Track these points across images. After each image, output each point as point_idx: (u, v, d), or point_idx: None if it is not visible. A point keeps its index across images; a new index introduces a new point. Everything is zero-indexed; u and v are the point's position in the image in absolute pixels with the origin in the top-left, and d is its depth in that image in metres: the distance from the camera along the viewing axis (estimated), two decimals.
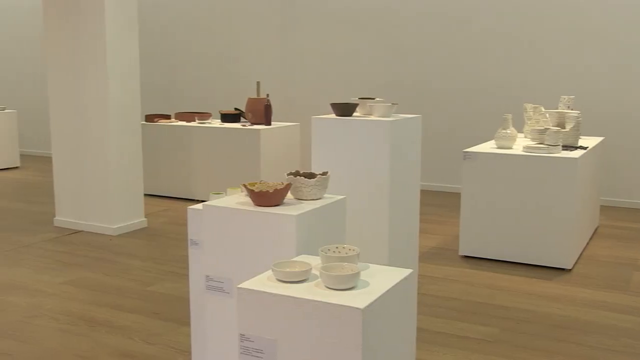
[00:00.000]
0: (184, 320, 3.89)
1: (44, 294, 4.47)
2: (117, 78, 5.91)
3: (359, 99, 3.78)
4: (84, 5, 5.85)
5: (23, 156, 10.34)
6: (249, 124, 7.23)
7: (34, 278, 4.80)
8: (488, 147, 5.40)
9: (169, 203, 7.32)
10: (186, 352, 3.52)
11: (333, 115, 3.67)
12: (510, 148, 5.27)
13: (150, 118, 7.82)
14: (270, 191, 2.50)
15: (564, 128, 5.52)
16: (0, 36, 11.48)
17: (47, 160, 9.93)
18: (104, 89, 5.85)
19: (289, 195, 2.67)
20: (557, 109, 6.01)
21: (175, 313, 4.10)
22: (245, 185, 2.57)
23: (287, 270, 2.14)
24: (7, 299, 4.38)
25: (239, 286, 2.10)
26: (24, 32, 11.10)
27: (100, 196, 6.03)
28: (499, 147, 5.30)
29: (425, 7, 8.00)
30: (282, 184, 2.60)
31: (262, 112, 7.03)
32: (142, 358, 3.50)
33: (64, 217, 6.28)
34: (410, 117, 3.75)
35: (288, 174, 2.66)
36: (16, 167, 9.86)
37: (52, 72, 6.18)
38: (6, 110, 9.82)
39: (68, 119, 6.13)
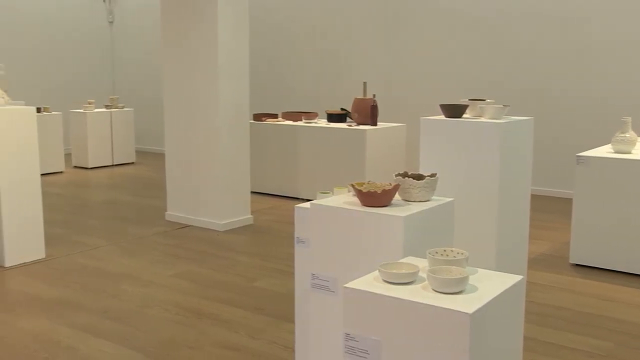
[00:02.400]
0: (288, 317, 3.94)
1: (156, 285, 4.66)
2: (228, 78, 6.08)
3: (469, 100, 3.71)
4: (198, 8, 6.06)
5: (138, 152, 10.85)
6: (354, 124, 7.25)
7: (147, 269, 5.02)
8: (604, 151, 5.15)
9: (275, 201, 7.46)
10: (289, 348, 3.57)
11: (442, 117, 3.61)
12: (629, 153, 5.00)
13: (258, 117, 7.99)
14: (378, 192, 2.48)
15: None
16: (120, 37, 12.11)
17: (160, 156, 10.37)
18: (215, 89, 6.04)
19: (397, 196, 2.65)
20: None
21: (280, 309, 4.17)
22: (353, 185, 2.57)
23: (394, 271, 2.12)
24: (122, 288, 4.60)
25: (346, 286, 2.10)
26: (142, 33, 11.66)
27: (209, 193, 6.23)
28: (616, 152, 5.04)
29: (536, 6, 7.74)
30: (390, 184, 2.58)
31: (369, 113, 7.03)
32: (247, 352, 3.58)
33: (174, 212, 6.53)
34: (522, 119, 3.64)
35: (396, 175, 2.64)
36: (132, 163, 10.36)
37: (167, 72, 6.44)
38: (124, 109, 10.33)
39: (180, 117, 6.37)
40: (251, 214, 6.48)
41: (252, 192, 6.78)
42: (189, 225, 6.32)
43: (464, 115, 3.65)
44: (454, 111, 3.58)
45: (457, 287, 2.00)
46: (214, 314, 4.12)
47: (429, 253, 2.21)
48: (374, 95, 7.07)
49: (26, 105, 5.41)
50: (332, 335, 2.64)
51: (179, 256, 5.37)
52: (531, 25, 7.81)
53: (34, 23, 11.01)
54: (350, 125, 7.20)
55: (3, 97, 5.06)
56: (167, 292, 4.53)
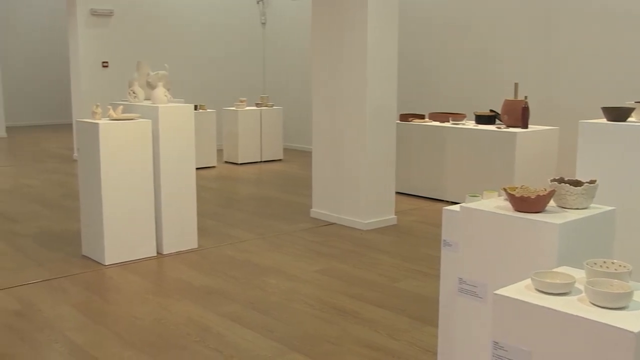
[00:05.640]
0: (430, 320, 3.89)
1: (300, 280, 4.77)
2: (376, 79, 6.10)
3: (635, 102, 3.47)
4: (348, 10, 6.11)
5: (286, 150, 11.18)
6: (504, 126, 7.02)
7: (292, 264, 5.15)
8: None
9: (419, 202, 7.39)
10: (430, 351, 3.52)
11: (603, 120, 3.41)
12: None
13: (404, 117, 7.96)
14: (532, 197, 2.38)
15: None
16: (272, 38, 12.52)
17: (306, 154, 10.62)
18: (363, 90, 6.08)
19: (551, 202, 2.53)
20: None
21: (421, 312, 4.12)
22: (505, 189, 2.48)
23: (548, 280, 2.02)
24: (269, 281, 4.75)
25: (496, 292, 2.03)
26: (293, 35, 12.00)
27: (354, 191, 6.28)
28: None
29: None
30: (545, 189, 2.47)
31: (519, 115, 6.78)
32: (386, 352, 3.57)
33: (319, 209, 6.65)
34: None
35: (552, 180, 2.52)
36: (279, 160, 10.68)
37: (315, 72, 6.57)
38: (274, 107, 10.67)
39: (328, 117, 6.47)
40: (395, 214, 6.47)
41: (397, 192, 6.76)
42: (333, 223, 6.41)
43: (629, 119, 3.42)
44: (617, 114, 3.37)
45: (620, 303, 1.87)
46: (356, 311, 4.15)
47: (587, 264, 2.09)
48: (526, 97, 6.81)
49: (185, 102, 5.74)
50: (478, 342, 2.57)
51: (322, 253, 5.47)
52: None
53: (194, 26, 11.68)
54: (499, 128, 6.98)
55: (166, 95, 5.39)
56: (310, 287, 4.62)
